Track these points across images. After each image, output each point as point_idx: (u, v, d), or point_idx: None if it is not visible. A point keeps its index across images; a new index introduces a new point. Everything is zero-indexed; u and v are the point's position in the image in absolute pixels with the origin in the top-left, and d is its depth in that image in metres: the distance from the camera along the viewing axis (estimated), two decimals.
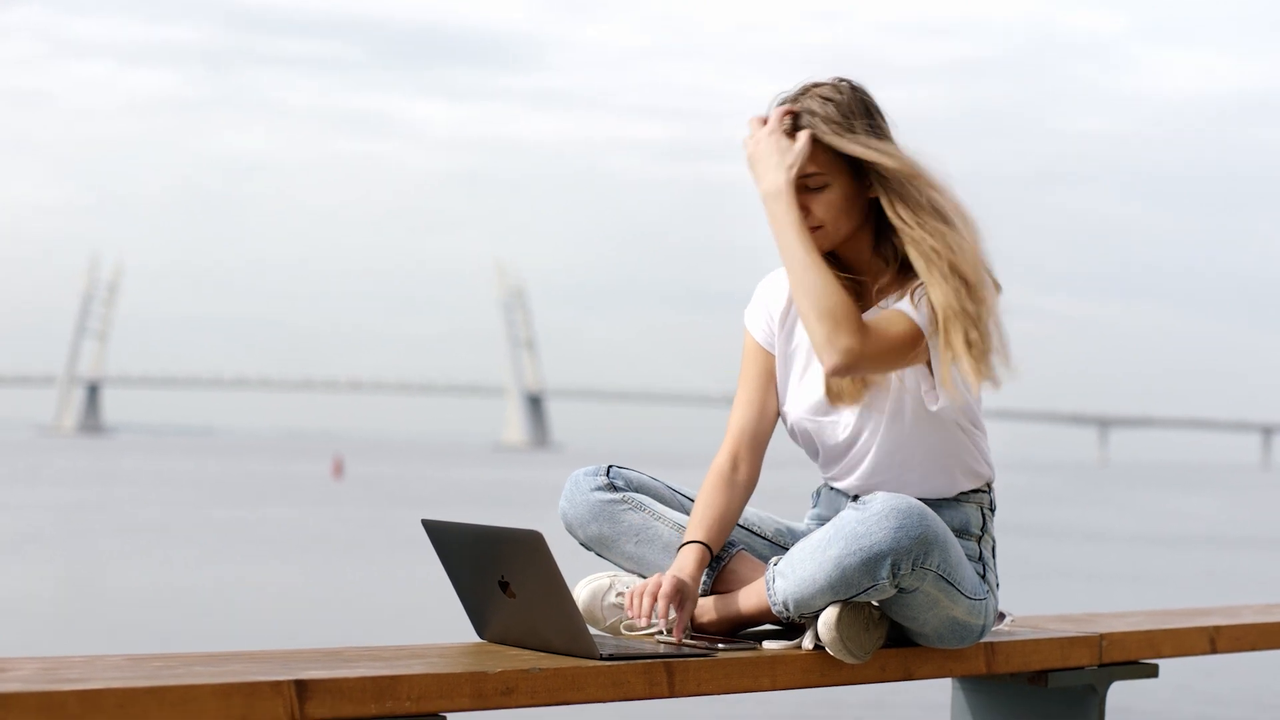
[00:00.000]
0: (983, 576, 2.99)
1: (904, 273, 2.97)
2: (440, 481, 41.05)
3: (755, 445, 3.06)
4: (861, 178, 2.94)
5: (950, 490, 3.02)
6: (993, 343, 2.88)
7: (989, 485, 3.07)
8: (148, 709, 2.19)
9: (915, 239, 2.90)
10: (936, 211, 2.92)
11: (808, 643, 2.87)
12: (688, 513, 3.08)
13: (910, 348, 2.90)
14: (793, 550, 2.86)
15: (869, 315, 2.94)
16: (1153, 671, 3.42)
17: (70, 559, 14.97)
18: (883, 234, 2.98)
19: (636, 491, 3.06)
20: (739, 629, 2.95)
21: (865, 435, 3.00)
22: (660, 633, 2.86)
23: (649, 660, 2.67)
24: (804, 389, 3.04)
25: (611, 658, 2.65)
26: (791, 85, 2.99)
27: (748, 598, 2.92)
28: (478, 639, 2.89)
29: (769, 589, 2.87)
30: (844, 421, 3.01)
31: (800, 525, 3.15)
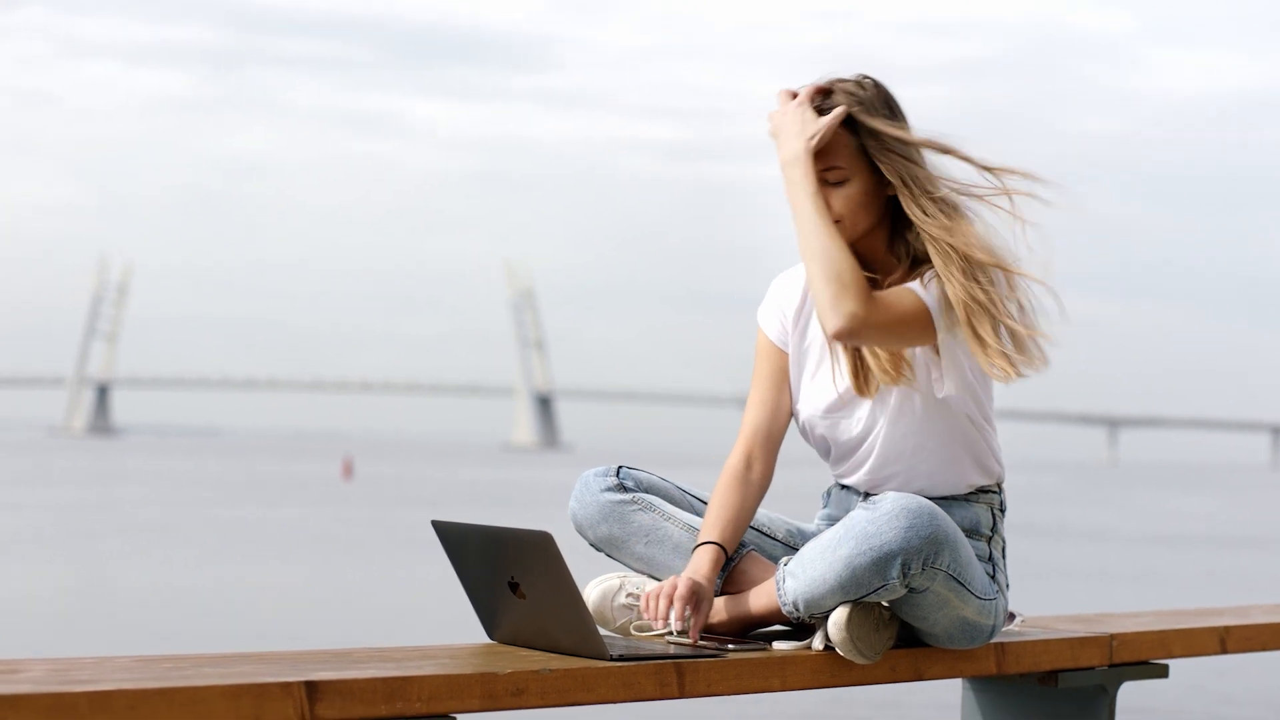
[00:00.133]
0: (993, 577, 2.99)
1: (915, 270, 2.97)
2: (449, 482, 41.06)
3: (769, 444, 3.05)
4: (880, 175, 2.95)
5: (961, 483, 3.02)
6: (1019, 333, 2.88)
7: (999, 485, 3.07)
8: (158, 710, 2.20)
9: (933, 234, 2.90)
10: (954, 206, 2.93)
11: (818, 643, 2.87)
12: (698, 513, 3.07)
13: (915, 324, 2.89)
14: (803, 550, 2.86)
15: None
16: (1163, 672, 3.42)
17: (79, 560, 14.99)
18: (898, 232, 2.99)
19: (646, 492, 3.06)
20: (749, 629, 2.95)
21: (877, 429, 3.00)
22: (670, 633, 2.86)
23: (659, 661, 2.67)
24: (816, 387, 3.04)
25: (622, 659, 2.65)
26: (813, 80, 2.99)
27: (758, 598, 2.92)
28: (487, 640, 2.89)
29: (779, 589, 2.87)
30: (857, 417, 3.01)
31: (810, 526, 3.15)
